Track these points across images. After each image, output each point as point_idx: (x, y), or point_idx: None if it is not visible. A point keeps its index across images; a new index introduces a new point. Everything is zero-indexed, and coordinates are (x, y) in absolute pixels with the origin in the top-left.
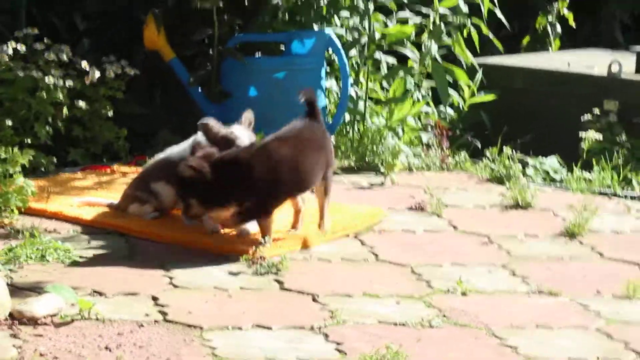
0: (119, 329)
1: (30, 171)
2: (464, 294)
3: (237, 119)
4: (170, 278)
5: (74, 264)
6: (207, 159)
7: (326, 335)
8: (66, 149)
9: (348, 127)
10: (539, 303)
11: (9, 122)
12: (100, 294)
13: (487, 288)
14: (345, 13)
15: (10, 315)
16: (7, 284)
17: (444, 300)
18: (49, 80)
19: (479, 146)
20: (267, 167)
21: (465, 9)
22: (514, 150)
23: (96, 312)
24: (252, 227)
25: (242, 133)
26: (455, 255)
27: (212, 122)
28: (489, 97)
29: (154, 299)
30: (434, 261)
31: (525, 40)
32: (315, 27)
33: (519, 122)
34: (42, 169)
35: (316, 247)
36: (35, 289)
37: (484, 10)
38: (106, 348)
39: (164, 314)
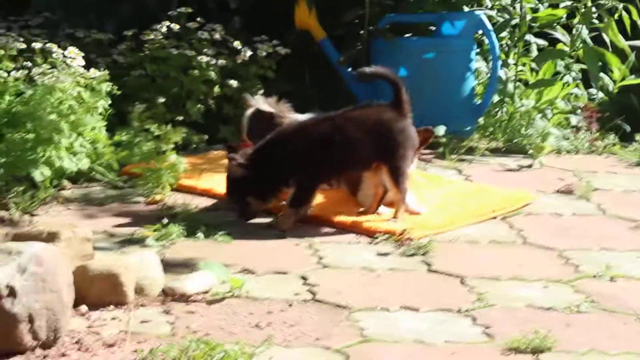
0: (269, 308)
1: (181, 148)
2: (612, 279)
3: (385, 99)
4: (320, 258)
5: (225, 241)
6: (246, 154)
7: (474, 319)
8: (217, 127)
9: (497, 108)
10: None
11: (161, 100)
12: (251, 272)
13: (636, 274)
14: None
15: (163, 291)
16: (160, 260)
17: (592, 285)
18: (202, 58)
19: (628, 130)
20: (301, 144)
21: None
22: None
23: (247, 290)
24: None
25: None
26: (604, 239)
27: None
28: (637, 81)
29: (303, 278)
30: (582, 245)
31: None
32: (466, 9)
33: None
34: (194, 146)
35: (463, 229)
36: (187, 266)
37: None
38: (257, 326)
39: (313, 293)
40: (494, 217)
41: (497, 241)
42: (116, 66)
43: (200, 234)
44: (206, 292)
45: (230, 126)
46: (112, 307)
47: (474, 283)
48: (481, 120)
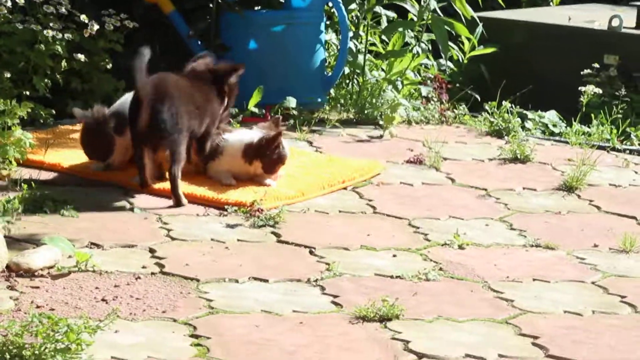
0: (116, 281)
1: (29, 123)
2: (460, 247)
3: None
4: (168, 230)
5: (72, 216)
6: None
7: (322, 288)
8: (65, 101)
9: (348, 80)
10: (536, 256)
11: (7, 75)
12: (98, 246)
13: (484, 241)
14: None
15: (7, 267)
16: (5, 236)
17: (441, 253)
18: (48, 33)
19: (479, 99)
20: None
21: None
22: (513, 104)
23: (93, 264)
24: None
25: None
26: (453, 208)
27: None
28: (489, 50)
29: (151, 251)
30: (432, 214)
31: None
32: None
33: (519, 77)
34: (41, 121)
35: (314, 200)
36: (32, 241)
37: None
38: (103, 300)
39: (161, 266)
40: (345, 188)
41: (347, 211)
42: None
43: (46, 209)
44: (52, 267)
45: (78, 101)
46: None
47: (323, 253)
48: (332, 92)
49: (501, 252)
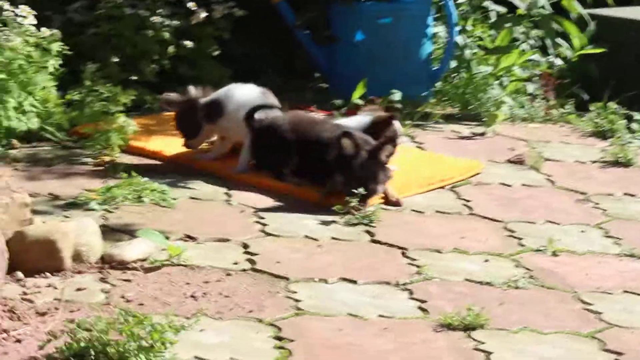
0: (207, 277)
1: (134, 108)
2: (554, 253)
3: (342, 63)
4: (263, 225)
5: (169, 207)
6: None
7: (411, 292)
8: (172, 87)
9: (455, 74)
10: (630, 267)
11: (115, 59)
12: (192, 238)
13: (578, 249)
14: None
15: (102, 258)
16: (102, 225)
17: (534, 259)
18: (155, 19)
19: (586, 98)
20: None
21: None
22: (620, 105)
23: (186, 258)
24: None
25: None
26: (550, 212)
27: None
28: (598, 50)
29: (245, 246)
30: (528, 217)
31: None
32: None
33: (630, 76)
34: (147, 106)
35: (411, 198)
36: (128, 231)
37: None
38: (192, 296)
39: (252, 262)
40: (443, 187)
41: (444, 211)
42: (71, 24)
43: (145, 199)
44: (144, 260)
45: (186, 86)
46: (48, 274)
47: (416, 255)
48: (439, 85)
49: (595, 260)
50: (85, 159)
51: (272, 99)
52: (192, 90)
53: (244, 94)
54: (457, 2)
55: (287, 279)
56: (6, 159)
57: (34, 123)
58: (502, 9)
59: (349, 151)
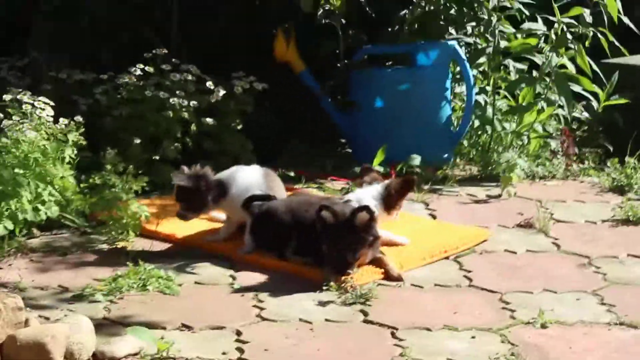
0: None
1: (160, 186)
2: (543, 325)
3: (364, 129)
4: (261, 310)
5: (172, 294)
6: None
7: None
8: (196, 163)
9: (478, 132)
10: (615, 336)
11: (137, 140)
12: (188, 327)
13: (569, 319)
14: (472, 23)
15: (94, 355)
16: (103, 317)
17: (522, 333)
18: (174, 100)
19: (611, 149)
20: None
21: (589, 19)
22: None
23: (177, 350)
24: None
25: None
26: (549, 279)
27: None
28: (622, 101)
29: (238, 333)
30: (526, 287)
31: None
32: (447, 35)
33: None
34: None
35: (414, 271)
36: (127, 323)
37: (613, 16)
38: None
39: (241, 351)
40: (447, 258)
41: (443, 284)
42: (97, 106)
43: (149, 287)
44: (136, 354)
45: (212, 161)
46: None
47: (404, 335)
48: (465, 142)
49: (582, 331)
50: (101, 245)
51: (274, 181)
52: (204, 169)
53: (246, 176)
54: (477, 62)
55: None
56: (24, 250)
57: (54, 212)
58: (523, 66)
59: (329, 222)
